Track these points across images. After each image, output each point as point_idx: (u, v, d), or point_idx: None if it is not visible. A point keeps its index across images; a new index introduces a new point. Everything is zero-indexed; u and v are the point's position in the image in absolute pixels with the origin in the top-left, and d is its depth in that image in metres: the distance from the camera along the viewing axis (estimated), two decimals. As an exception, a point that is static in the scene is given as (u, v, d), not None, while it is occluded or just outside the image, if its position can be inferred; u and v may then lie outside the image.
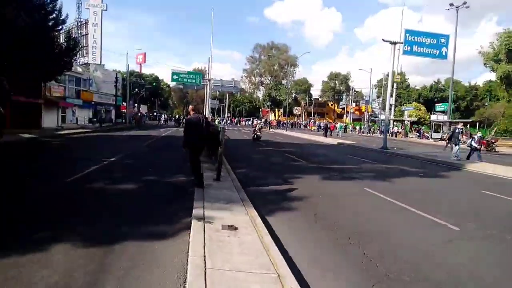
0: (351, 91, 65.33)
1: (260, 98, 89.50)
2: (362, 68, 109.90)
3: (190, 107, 7.30)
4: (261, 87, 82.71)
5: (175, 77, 34.73)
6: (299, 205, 5.79)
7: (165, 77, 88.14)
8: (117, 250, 3.45)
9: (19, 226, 4.09)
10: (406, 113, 45.22)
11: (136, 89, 52.87)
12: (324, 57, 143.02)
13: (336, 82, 74.64)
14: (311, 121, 63.55)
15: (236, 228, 3.95)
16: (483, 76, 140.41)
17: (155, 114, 64.51)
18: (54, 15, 17.72)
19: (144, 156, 11.79)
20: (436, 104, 57.17)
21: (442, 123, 33.02)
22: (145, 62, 47.17)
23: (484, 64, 38.96)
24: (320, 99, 78.39)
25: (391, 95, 44.94)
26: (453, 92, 62.05)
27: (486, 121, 30.80)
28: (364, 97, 68.57)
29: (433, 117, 45.12)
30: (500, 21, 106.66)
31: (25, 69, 16.98)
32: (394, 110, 46.63)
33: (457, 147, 13.90)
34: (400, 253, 3.89)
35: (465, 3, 33.82)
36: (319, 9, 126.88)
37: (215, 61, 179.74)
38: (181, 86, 41.09)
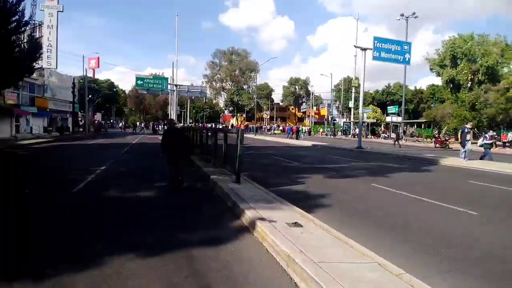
0: (311, 96, 67.87)
1: (222, 104, 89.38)
2: (322, 73, 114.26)
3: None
4: (222, 93, 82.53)
5: (139, 82, 33.39)
6: (328, 201, 5.98)
7: (120, 82, 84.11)
8: (193, 256, 3.32)
9: (68, 243, 3.72)
10: (365, 115, 48.18)
11: (90, 96, 49.67)
12: (279, 63, 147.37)
13: (296, 87, 77.05)
14: (275, 125, 64.70)
15: (301, 225, 4.01)
16: (424, 80, 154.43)
17: (112, 121, 61.08)
18: (17, 16, 16.12)
19: (134, 163, 11.20)
20: (388, 107, 61.77)
21: (398, 124, 35.79)
22: (98, 67, 44.46)
23: (431, 69, 42.99)
24: (281, 103, 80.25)
25: (355, 99, 47.55)
26: (399, 96, 67.67)
27: (436, 121, 33.94)
28: (324, 101, 71.81)
29: (388, 118, 48.57)
30: (436, 30, 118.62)
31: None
32: (354, 113, 49.40)
33: (467, 147, 12.75)
34: (449, 237, 4.25)
35: (414, 13, 37.25)
36: (272, 17, 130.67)
37: (169, 67, 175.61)
38: (145, 92, 39.14)
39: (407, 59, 18.77)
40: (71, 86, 33.09)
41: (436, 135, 27.13)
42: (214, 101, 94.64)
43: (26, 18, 16.76)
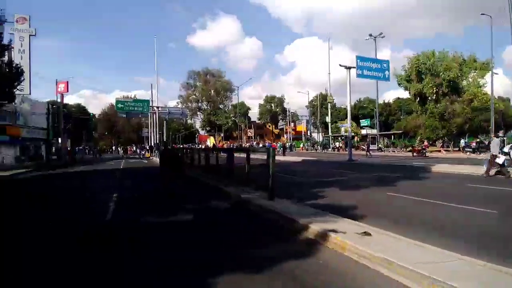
0: (288, 113, 69.60)
1: (197, 124, 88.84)
2: (300, 91, 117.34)
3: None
4: (199, 113, 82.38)
5: (120, 105, 32.75)
6: (363, 212, 6.23)
7: (86, 106, 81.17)
8: (288, 270, 3.43)
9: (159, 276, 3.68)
10: (343, 129, 50.08)
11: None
12: (249, 81, 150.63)
13: (272, 104, 78.88)
14: (254, 143, 65.19)
15: (370, 234, 4.24)
16: (389, 94, 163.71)
17: (85, 147, 58.47)
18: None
19: (143, 187, 10.96)
20: (360, 120, 64.70)
21: (376, 136, 37.60)
22: (67, 91, 42.66)
23: (398, 84, 45.87)
24: (258, 121, 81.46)
25: (330, 114, 49.32)
26: (372, 109, 71.22)
27: (409, 132, 36.22)
28: (300, 117, 73.80)
29: (363, 131, 50.76)
30: (393, 48, 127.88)
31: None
32: (331, 127, 51.24)
33: (503, 156, 11.57)
34: (491, 234, 4.68)
35: (381, 33, 40.18)
36: (241, 38, 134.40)
37: (137, 89, 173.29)
38: (124, 115, 38.27)
39: (386, 76, 20.18)
40: (45, 112, 31.66)
41: (415, 145, 28.83)
42: (189, 122, 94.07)
43: (4, 42, 16.33)
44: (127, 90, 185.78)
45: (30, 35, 28.82)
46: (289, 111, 69.79)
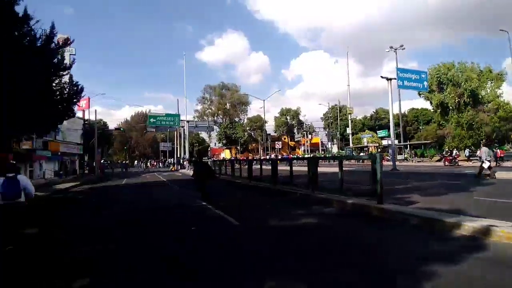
0: (304, 125, 70.13)
1: (213, 137, 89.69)
2: (321, 103, 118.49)
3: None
4: (215, 127, 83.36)
5: (152, 120, 33.75)
6: (476, 212, 6.56)
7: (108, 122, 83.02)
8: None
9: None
10: (365, 140, 50.32)
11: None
12: (257, 95, 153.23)
13: (288, 117, 79.49)
14: (273, 155, 65.50)
15: (525, 228, 4.63)
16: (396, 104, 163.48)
17: (108, 162, 59.77)
18: (56, 59, 16.51)
19: (222, 195, 11.43)
20: (378, 131, 64.89)
21: (402, 146, 37.78)
22: (89, 107, 43.65)
23: (419, 94, 46.25)
24: (274, 133, 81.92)
25: (346, 125, 49.59)
26: (387, 120, 71.33)
27: (437, 141, 36.36)
28: (316, 129, 74.25)
29: (384, 142, 50.90)
30: (400, 59, 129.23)
31: (24, 120, 15.14)
32: (352, 138, 51.52)
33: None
34: None
35: (402, 45, 40.92)
36: (247, 53, 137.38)
37: (147, 104, 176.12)
38: (153, 130, 39.27)
39: (425, 86, 20.67)
40: (81, 128, 32.83)
41: (445, 154, 28.94)
42: (201, 135, 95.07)
43: (67, 62, 17.29)
44: (136, 106, 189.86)
45: (70, 54, 30.15)
46: (305, 124, 70.32)
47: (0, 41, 11.09)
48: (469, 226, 4.94)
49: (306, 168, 10.68)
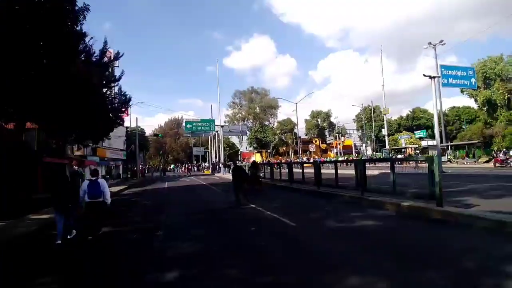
0: (336, 127, 68.92)
1: (243, 141, 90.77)
2: (354, 104, 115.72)
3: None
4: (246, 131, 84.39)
5: (188, 126, 34.98)
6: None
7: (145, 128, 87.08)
8: None
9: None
10: (402, 141, 48.43)
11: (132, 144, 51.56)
12: (285, 97, 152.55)
13: (319, 119, 78.63)
14: (305, 158, 64.98)
15: None
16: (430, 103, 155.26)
17: (147, 167, 62.69)
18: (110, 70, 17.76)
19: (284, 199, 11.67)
20: (415, 132, 62.06)
21: (445, 147, 35.87)
22: (128, 115, 45.77)
23: (462, 91, 43.80)
24: (305, 136, 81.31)
25: (380, 127, 47.82)
26: (427, 119, 68.05)
27: (486, 141, 34.11)
28: (348, 132, 72.61)
29: (423, 143, 48.59)
30: (438, 55, 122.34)
31: (84, 129, 16.38)
32: (388, 140, 49.72)
33: None
34: None
35: (441, 41, 38.99)
36: (274, 56, 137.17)
37: (181, 110, 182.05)
38: (189, 135, 40.73)
39: (473, 83, 19.63)
40: (124, 135, 34.75)
41: (495, 155, 27.12)
42: (231, 140, 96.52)
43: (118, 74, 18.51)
44: (169, 113, 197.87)
45: (114, 66, 32.11)
46: (337, 126, 69.05)
47: (64, 57, 12.17)
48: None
49: (346, 171, 10.65)
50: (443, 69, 18.80)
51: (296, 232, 6.30)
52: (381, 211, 7.89)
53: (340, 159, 48.53)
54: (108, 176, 32.64)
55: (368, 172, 13.65)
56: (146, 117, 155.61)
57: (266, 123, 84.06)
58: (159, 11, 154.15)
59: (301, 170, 15.31)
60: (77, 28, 11.10)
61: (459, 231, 5.63)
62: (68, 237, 6.73)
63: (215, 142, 39.14)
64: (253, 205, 10.02)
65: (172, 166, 61.45)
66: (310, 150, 60.17)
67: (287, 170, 18.71)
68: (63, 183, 7.13)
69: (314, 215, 7.91)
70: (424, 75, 19.25)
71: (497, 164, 24.90)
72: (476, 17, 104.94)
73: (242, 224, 7.37)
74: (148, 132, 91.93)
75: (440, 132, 41.11)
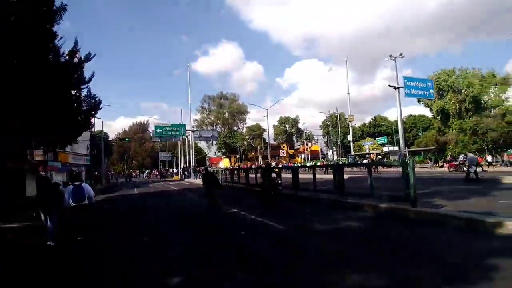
0: (303, 133, 70.84)
1: (212, 147, 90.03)
2: (321, 111, 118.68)
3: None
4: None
5: (158, 130, 34.07)
6: None
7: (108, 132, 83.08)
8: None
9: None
10: (367, 147, 50.90)
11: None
12: (252, 103, 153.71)
13: (287, 125, 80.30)
14: (274, 163, 65.80)
15: None
16: (391, 111, 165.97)
17: (111, 173, 59.67)
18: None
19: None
20: (377, 138, 65.66)
21: (405, 153, 38.33)
22: (99, 119, 44.20)
23: (418, 101, 47.23)
24: (275, 142, 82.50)
25: (345, 133, 49.97)
26: (388, 127, 72.22)
27: (439, 148, 37.00)
28: (315, 138, 74.96)
29: (385, 148, 51.54)
30: (392, 67, 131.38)
31: (50, 133, 15.46)
32: (353, 146, 52.05)
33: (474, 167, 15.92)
34: None
35: (401, 54, 41.82)
36: (242, 63, 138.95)
37: (142, 114, 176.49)
38: (158, 139, 39.61)
39: (432, 94, 21.36)
40: (88, 140, 33.00)
41: (449, 159, 29.55)
42: (199, 145, 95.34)
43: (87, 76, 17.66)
44: (132, 116, 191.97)
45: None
46: (305, 132, 71.02)
47: (30, 58, 11.46)
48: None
49: (318, 176, 11.12)
50: (406, 81, 20.28)
51: (286, 234, 6.50)
52: (362, 213, 8.35)
53: (308, 164, 49.91)
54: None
55: (330, 177, 14.25)
56: (106, 120, 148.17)
57: (235, 128, 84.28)
58: (123, 12, 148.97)
59: (281, 175, 15.45)
60: (53, 28, 10.52)
61: (436, 229, 6.17)
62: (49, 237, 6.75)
63: (185, 148, 38.41)
64: (235, 210, 10.10)
65: (147, 171, 59.48)
66: (280, 155, 60.95)
67: (248, 175, 18.98)
68: (49, 189, 7.36)
69: (300, 219, 8.17)
70: (390, 86, 20.64)
71: (451, 169, 27.21)
72: (427, 35, 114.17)
73: (232, 228, 7.42)
74: (111, 136, 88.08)
75: (404, 140, 44.07)
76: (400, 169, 8.35)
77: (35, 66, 11.53)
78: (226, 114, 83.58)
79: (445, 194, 11.32)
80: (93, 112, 18.23)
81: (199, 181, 28.38)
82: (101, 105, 18.19)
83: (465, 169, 16.57)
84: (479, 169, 17.96)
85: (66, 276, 4.59)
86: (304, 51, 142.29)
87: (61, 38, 14.28)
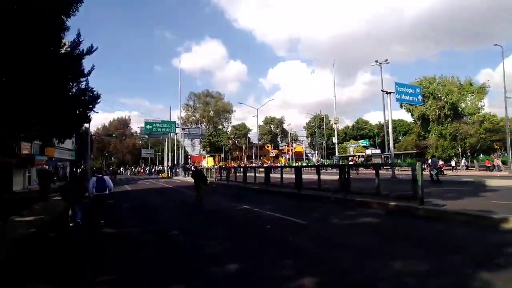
0: (288, 134, 71.86)
1: (195, 145, 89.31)
2: (308, 113, 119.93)
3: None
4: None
5: (148, 127, 33.68)
6: None
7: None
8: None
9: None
10: (351, 149, 52.39)
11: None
12: (234, 102, 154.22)
13: (272, 126, 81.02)
14: (260, 162, 66.35)
15: None
16: (369, 115, 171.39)
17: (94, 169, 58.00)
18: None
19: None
20: (359, 141, 67.67)
21: (388, 156, 39.94)
22: (96, 113, 43.09)
23: (401, 106, 49.14)
24: (260, 142, 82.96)
25: (328, 135, 51.16)
26: (370, 130, 74.55)
27: (421, 151, 38.90)
28: (300, 139, 76.23)
29: (368, 151, 53.25)
30: (373, 72, 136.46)
31: (48, 126, 15.17)
32: (338, 148, 53.46)
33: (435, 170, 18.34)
34: None
35: (386, 60, 43.40)
36: (225, 61, 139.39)
37: (118, 110, 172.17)
38: (146, 136, 38.99)
39: (420, 100, 22.58)
40: (73, 134, 32.08)
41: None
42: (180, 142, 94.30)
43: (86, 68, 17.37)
44: (110, 111, 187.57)
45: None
46: (290, 133, 72.05)
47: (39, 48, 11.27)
48: (518, 220, 6.08)
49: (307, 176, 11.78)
50: (397, 86, 21.33)
51: (312, 229, 6.92)
52: (371, 210, 8.92)
53: (294, 164, 50.75)
54: (55, 178, 29.88)
55: (327, 177, 14.98)
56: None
57: (220, 127, 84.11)
58: (105, 4, 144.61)
59: (282, 175, 15.78)
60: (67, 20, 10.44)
61: (446, 224, 6.81)
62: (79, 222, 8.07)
63: (172, 145, 38.11)
64: (247, 206, 10.43)
65: (131, 168, 58.15)
66: (270, 155, 61.66)
67: (246, 174, 19.37)
68: (74, 181, 9.08)
69: (317, 214, 8.62)
70: (382, 91, 21.61)
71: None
72: (405, 42, 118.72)
73: (256, 223, 7.76)
74: (91, 131, 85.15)
75: (384, 142, 45.70)
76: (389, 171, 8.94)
77: (41, 57, 11.36)
78: (212, 112, 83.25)
79: (439, 195, 12.13)
80: (90, 106, 17.97)
81: (188, 179, 28.33)
82: (99, 99, 17.99)
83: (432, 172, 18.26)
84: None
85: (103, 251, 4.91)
86: (287, 52, 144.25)
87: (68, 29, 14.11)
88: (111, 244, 6.28)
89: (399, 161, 39.30)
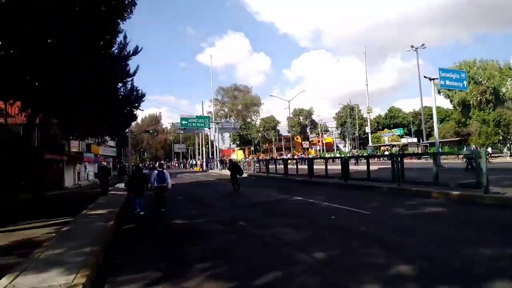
0: (319, 125, 70.94)
1: (225, 138, 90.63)
2: (340, 103, 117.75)
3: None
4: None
5: (184, 122, 34.68)
6: None
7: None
8: None
9: None
10: (386, 138, 50.94)
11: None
12: (262, 95, 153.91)
13: (301, 117, 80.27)
14: (289, 154, 66.26)
15: None
16: (401, 102, 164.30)
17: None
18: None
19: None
20: (392, 130, 65.41)
21: (428, 144, 38.45)
22: (142, 111, 45.10)
23: (438, 91, 46.82)
24: (289, 134, 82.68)
25: (361, 125, 49.95)
26: (401, 119, 71.85)
27: (459, 138, 37.04)
28: (330, 130, 75.07)
29: (403, 140, 51.46)
30: (403, 57, 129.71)
31: (99, 123, 16.16)
32: (371, 137, 52.21)
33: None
34: None
35: (423, 44, 41.51)
36: (249, 54, 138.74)
37: (152, 106, 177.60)
38: (181, 131, 40.31)
39: (465, 85, 21.44)
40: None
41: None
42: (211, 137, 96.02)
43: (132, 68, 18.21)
44: (146, 108, 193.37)
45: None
46: (320, 124, 71.12)
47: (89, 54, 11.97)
48: None
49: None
50: (441, 72, 20.38)
51: (377, 218, 6.96)
52: (430, 200, 8.77)
53: (327, 156, 50.21)
54: (100, 174, 31.71)
55: (363, 168, 14.75)
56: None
57: (248, 120, 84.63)
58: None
59: (327, 166, 15.79)
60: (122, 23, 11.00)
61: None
62: (141, 213, 9.39)
63: (206, 139, 39.04)
64: (299, 197, 10.61)
65: (178, 162, 61.21)
66: (304, 146, 61.61)
67: (286, 166, 19.44)
68: (139, 177, 10.24)
69: (374, 204, 8.61)
70: (425, 77, 20.79)
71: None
72: (437, 25, 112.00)
73: (318, 214, 7.92)
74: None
75: (421, 131, 43.92)
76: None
77: (98, 59, 12.07)
78: (240, 106, 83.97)
79: (495, 182, 11.60)
80: (136, 104, 18.88)
81: (225, 172, 28.99)
82: (144, 98, 18.85)
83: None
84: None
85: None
86: (311, 42, 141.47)
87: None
88: (191, 234, 6.70)
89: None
